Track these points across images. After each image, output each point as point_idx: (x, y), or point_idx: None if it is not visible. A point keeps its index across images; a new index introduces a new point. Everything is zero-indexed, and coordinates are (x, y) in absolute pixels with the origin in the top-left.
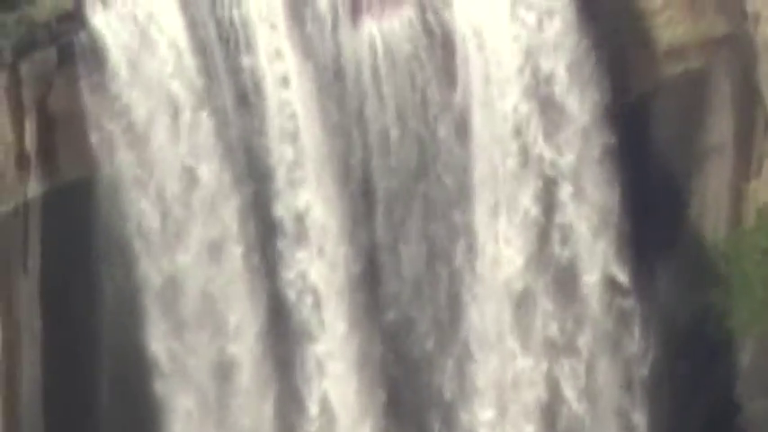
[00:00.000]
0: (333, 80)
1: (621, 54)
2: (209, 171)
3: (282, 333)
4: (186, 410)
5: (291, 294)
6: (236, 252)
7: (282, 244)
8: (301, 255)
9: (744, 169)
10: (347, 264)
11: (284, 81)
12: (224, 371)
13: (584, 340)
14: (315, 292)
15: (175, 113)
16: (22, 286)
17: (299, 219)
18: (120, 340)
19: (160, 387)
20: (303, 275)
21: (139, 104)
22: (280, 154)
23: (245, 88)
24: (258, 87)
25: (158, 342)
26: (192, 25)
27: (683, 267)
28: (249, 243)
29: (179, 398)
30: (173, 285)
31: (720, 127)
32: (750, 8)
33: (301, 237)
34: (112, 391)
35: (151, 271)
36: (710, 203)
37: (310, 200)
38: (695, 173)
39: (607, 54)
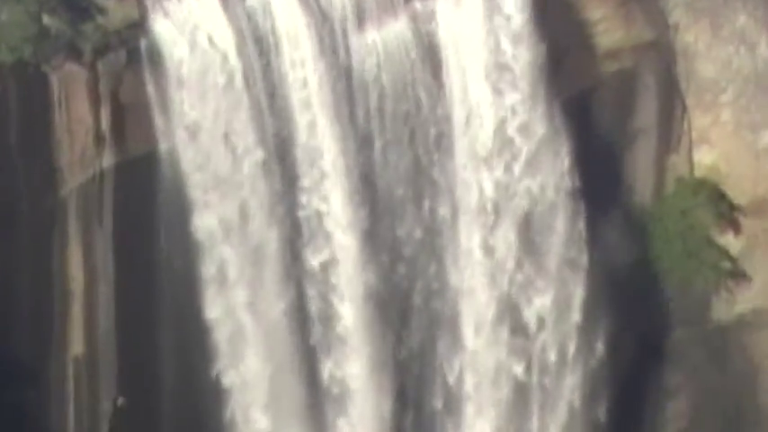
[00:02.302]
0: (343, 76)
1: (568, 56)
2: (247, 150)
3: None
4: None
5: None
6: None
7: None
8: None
9: (665, 147)
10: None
11: (303, 74)
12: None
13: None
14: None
15: (219, 103)
16: (99, 238)
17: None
18: (178, 280)
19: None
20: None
21: (191, 94)
22: (301, 133)
23: (274, 83)
24: (283, 79)
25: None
26: (234, 33)
27: (618, 226)
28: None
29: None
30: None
31: (647, 113)
32: (671, 20)
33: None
34: (171, 320)
35: (201, 229)
36: (639, 174)
37: (326, 172)
38: (627, 150)
39: (557, 56)
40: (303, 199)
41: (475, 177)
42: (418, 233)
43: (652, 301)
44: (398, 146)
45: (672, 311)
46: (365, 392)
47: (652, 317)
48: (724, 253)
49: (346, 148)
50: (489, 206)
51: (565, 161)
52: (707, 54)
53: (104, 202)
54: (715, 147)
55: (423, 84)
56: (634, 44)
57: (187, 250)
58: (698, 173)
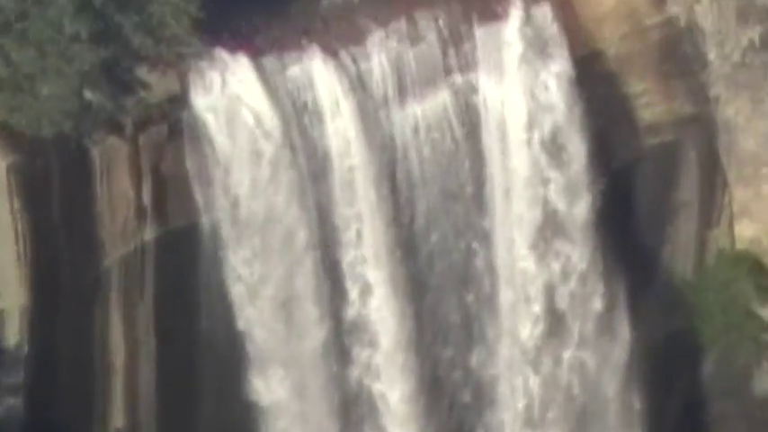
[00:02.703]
0: (385, 148)
1: (610, 129)
2: (287, 222)
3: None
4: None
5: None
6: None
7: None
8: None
9: (707, 220)
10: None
11: (344, 146)
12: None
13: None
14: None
15: (261, 176)
16: (140, 311)
17: (359, 263)
18: (219, 352)
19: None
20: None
21: (232, 168)
22: (343, 208)
23: (316, 155)
24: (324, 151)
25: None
26: (274, 106)
27: (659, 297)
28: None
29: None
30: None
31: (688, 187)
32: (712, 93)
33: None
34: (213, 395)
35: (243, 300)
36: (681, 247)
37: (367, 244)
38: (668, 223)
39: (599, 129)
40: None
41: (521, 376)
42: (467, 397)
43: (693, 374)
44: (449, 303)
45: (713, 384)
46: None
47: (693, 390)
48: (765, 325)
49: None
50: (536, 410)
51: (625, 347)
52: (747, 127)
53: (146, 275)
54: (756, 220)
55: (464, 154)
56: (675, 118)
57: (229, 324)
58: (739, 246)
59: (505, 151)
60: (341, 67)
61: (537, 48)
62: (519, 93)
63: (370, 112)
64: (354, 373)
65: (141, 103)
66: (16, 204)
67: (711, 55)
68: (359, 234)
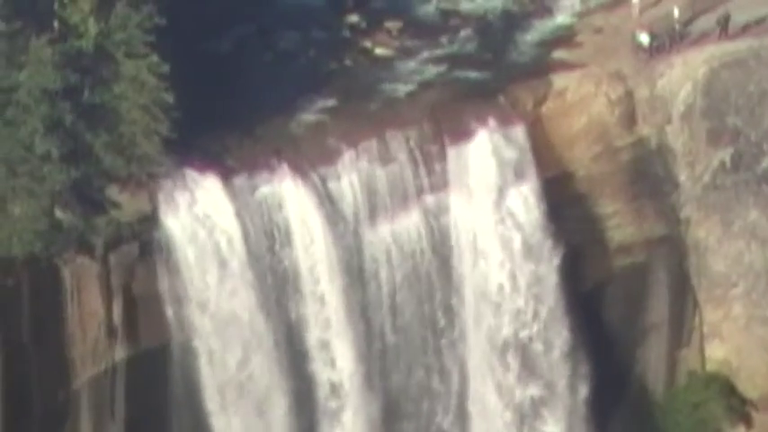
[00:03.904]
0: (355, 267)
1: (582, 250)
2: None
3: None
4: None
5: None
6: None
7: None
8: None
9: (677, 341)
10: None
11: (315, 267)
12: None
13: None
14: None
15: (231, 296)
16: (110, 431)
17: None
18: None
19: None
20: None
21: (202, 288)
22: (313, 326)
23: (285, 272)
24: (295, 271)
25: None
26: (244, 226)
27: (629, 418)
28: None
29: None
30: None
31: (659, 308)
32: (682, 215)
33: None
34: None
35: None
36: (651, 368)
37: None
38: (639, 344)
39: (570, 250)
40: None
41: None
42: None
43: None
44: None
45: None
46: None
47: None
48: None
49: None
50: None
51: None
52: (718, 249)
53: (116, 394)
54: (726, 341)
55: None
56: (646, 239)
57: None
58: (709, 367)
59: (476, 272)
60: (311, 188)
61: (508, 168)
62: (489, 213)
63: (340, 233)
64: None
65: (112, 222)
66: None
67: (682, 176)
68: (332, 362)
